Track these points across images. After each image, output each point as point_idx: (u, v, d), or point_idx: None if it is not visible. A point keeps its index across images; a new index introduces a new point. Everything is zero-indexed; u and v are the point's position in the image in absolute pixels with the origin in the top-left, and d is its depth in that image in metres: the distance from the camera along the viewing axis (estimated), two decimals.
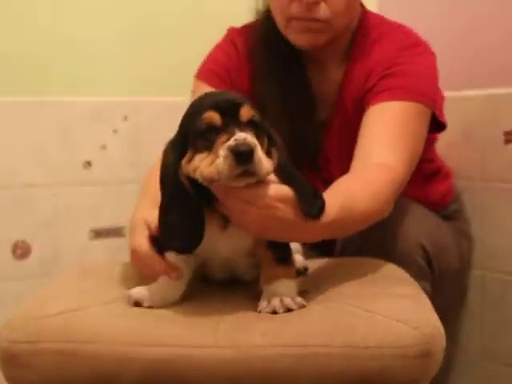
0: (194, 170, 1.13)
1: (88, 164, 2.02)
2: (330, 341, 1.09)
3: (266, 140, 1.17)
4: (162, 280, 1.24)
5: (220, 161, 1.08)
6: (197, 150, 1.13)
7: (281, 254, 1.22)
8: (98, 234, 2.03)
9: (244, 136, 1.09)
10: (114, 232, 2.05)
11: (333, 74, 1.68)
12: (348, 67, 1.65)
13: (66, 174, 2.01)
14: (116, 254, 2.03)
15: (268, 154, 1.16)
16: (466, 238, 1.88)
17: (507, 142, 1.84)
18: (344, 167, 1.47)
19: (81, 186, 2.02)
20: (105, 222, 2.04)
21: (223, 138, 1.10)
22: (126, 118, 2.05)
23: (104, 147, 2.04)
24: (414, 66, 1.56)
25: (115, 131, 2.04)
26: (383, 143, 1.46)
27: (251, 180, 1.11)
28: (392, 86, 1.54)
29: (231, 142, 1.08)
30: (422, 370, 1.10)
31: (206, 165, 1.11)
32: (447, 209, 1.84)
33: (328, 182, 1.46)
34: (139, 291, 1.24)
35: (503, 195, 1.86)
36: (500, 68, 1.94)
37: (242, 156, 1.07)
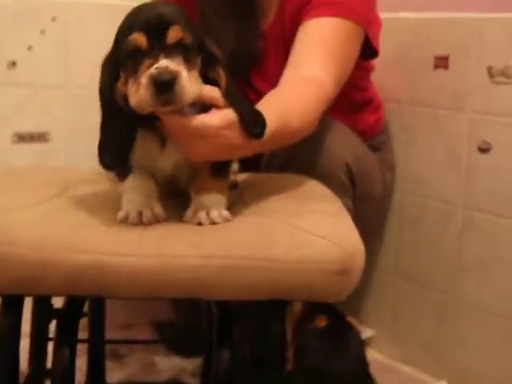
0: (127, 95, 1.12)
1: (13, 64, 1.95)
2: (252, 253, 1.11)
3: (198, 61, 1.15)
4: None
5: (142, 90, 1.07)
6: (127, 73, 1.12)
7: (218, 168, 1.22)
8: (22, 137, 1.98)
9: (165, 64, 1.07)
10: (38, 137, 2.00)
11: None
12: None
13: None
14: (39, 159, 1.98)
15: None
16: (389, 169, 1.90)
17: (436, 67, 1.85)
18: (278, 79, 1.47)
19: (4, 86, 1.95)
20: (29, 127, 1.99)
21: (147, 63, 1.08)
22: (54, 19, 1.97)
23: (30, 48, 1.96)
24: None
25: (42, 32, 1.97)
26: (314, 58, 1.47)
27: (174, 107, 1.09)
28: (327, 2, 1.53)
29: (152, 70, 1.07)
30: (340, 286, 1.14)
31: (133, 93, 1.10)
32: (374, 139, 1.85)
33: (260, 93, 1.47)
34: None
35: (428, 120, 1.88)
36: None
37: (162, 85, 1.06)
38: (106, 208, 1.24)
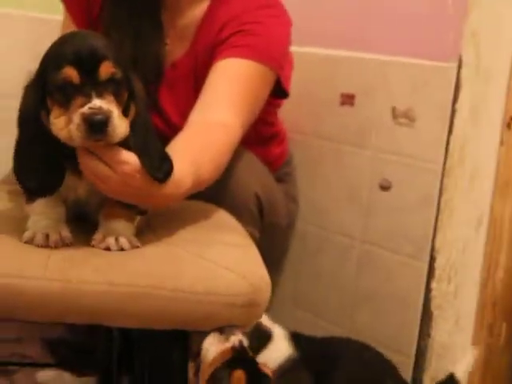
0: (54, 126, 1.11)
1: None
2: (159, 283, 1.11)
3: (125, 96, 1.15)
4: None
5: (73, 127, 1.07)
6: (55, 103, 1.11)
7: None
8: None
9: (99, 104, 1.07)
10: None
11: (192, 12, 1.64)
12: (209, 9, 1.62)
13: None
14: None
15: (126, 109, 1.15)
16: (292, 201, 1.93)
17: (342, 103, 1.90)
18: (189, 112, 1.47)
19: None
20: None
21: (79, 100, 1.08)
22: None
23: None
24: (267, 28, 1.57)
25: None
26: (223, 101, 1.47)
27: (104, 142, 1.10)
28: (242, 43, 1.54)
29: (85, 109, 1.07)
30: (246, 319, 1.15)
31: (61, 126, 1.09)
32: (279, 171, 1.87)
33: (171, 123, 1.46)
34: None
35: (332, 154, 1.93)
36: (343, 30, 1.98)
37: (95, 125, 1.06)
38: (9, 228, 1.21)
